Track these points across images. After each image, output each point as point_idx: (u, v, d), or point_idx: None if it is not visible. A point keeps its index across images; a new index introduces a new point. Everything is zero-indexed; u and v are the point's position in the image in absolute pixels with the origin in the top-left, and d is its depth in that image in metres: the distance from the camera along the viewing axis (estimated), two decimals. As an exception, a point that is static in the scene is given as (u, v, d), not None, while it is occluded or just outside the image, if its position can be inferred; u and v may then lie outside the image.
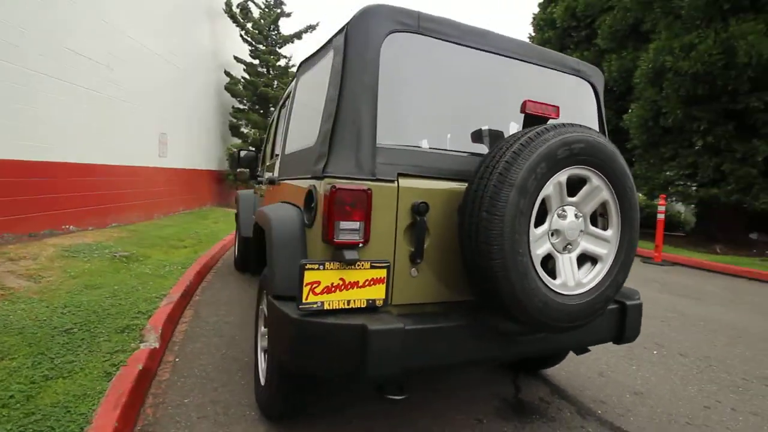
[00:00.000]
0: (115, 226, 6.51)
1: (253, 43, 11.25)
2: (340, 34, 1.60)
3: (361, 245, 1.36)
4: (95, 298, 3.11)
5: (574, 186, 1.41)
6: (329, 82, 1.60)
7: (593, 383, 2.46)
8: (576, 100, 1.99)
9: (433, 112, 1.64)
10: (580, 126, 1.39)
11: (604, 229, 1.49)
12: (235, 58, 11.15)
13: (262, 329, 2.12)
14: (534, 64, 1.85)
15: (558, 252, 1.40)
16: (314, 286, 1.30)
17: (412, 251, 1.44)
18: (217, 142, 11.01)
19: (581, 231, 1.44)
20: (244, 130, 11.45)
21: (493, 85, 1.77)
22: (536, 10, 11.74)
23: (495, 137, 1.73)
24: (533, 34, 11.42)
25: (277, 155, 2.51)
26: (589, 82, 2.03)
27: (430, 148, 1.56)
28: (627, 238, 1.48)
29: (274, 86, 11.28)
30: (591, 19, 9.39)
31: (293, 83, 2.39)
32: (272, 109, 11.58)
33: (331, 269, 1.32)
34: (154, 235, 6.11)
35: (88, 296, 3.13)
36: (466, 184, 1.53)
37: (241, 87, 10.96)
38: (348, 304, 1.34)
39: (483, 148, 1.69)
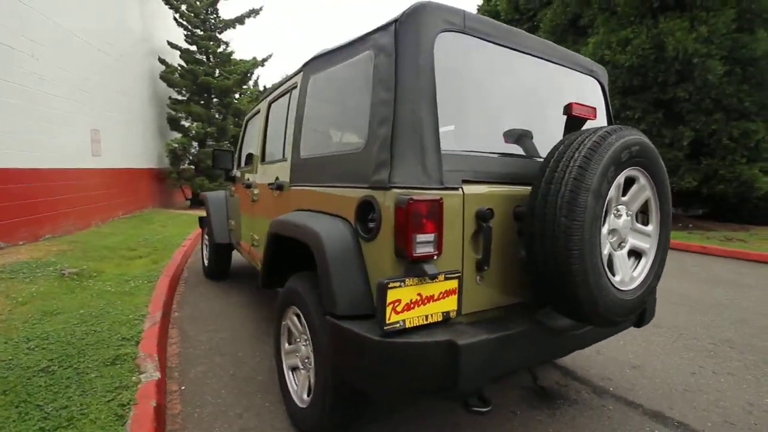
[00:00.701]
0: (51, 238, 5.73)
1: (189, 27, 10.32)
2: (383, 33, 1.51)
3: (435, 257, 1.32)
4: (61, 326, 2.72)
5: (624, 186, 1.48)
6: (373, 84, 1.51)
7: (595, 362, 2.66)
8: (588, 98, 2.08)
9: (482, 114, 1.63)
10: (629, 128, 1.46)
11: (645, 224, 1.59)
12: (170, 43, 10.17)
13: (287, 346, 2.01)
14: (557, 63, 1.90)
15: (614, 250, 1.47)
16: (396, 304, 1.25)
17: (478, 259, 1.43)
18: (155, 137, 10.05)
19: (630, 228, 1.52)
20: (185, 123, 10.57)
21: (527, 85, 1.79)
22: (480, 2, 12.09)
23: (525, 137, 1.76)
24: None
25: (282, 158, 2.34)
26: (598, 80, 2.13)
27: (484, 152, 1.55)
28: (665, 232, 1.59)
29: (216, 75, 10.50)
30: (533, 12, 9.89)
31: (298, 81, 2.22)
32: (216, 99, 10.80)
33: (411, 285, 1.27)
34: (99, 246, 5.49)
35: (52, 325, 2.73)
36: (522, 188, 1.55)
37: (178, 76, 10.04)
38: (426, 320, 1.31)
39: (520, 150, 1.71)
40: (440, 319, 1.33)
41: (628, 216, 1.50)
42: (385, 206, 1.36)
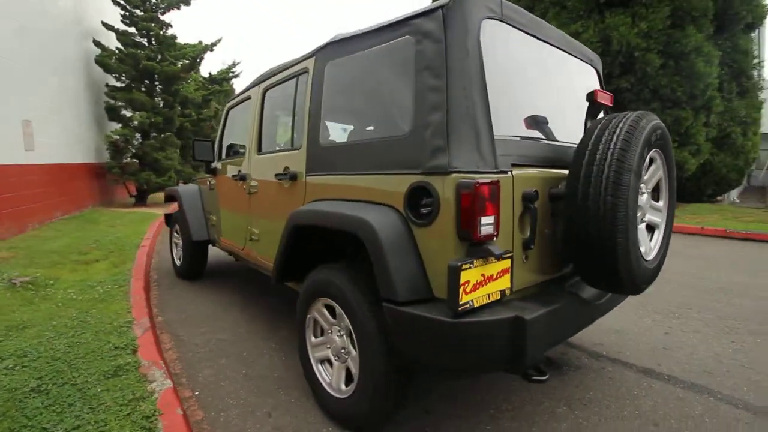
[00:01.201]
0: (-16, 245, 5.03)
1: (128, 7, 9.37)
2: (426, 18, 1.50)
3: (494, 239, 1.36)
4: (36, 341, 2.44)
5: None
6: (417, 70, 1.51)
7: (584, 330, 2.89)
8: (592, 85, 2.22)
9: (518, 100, 1.68)
10: (650, 113, 1.59)
11: (656, 201, 1.75)
12: (105, 24, 9.18)
13: (313, 339, 1.97)
14: (567, 52, 2.00)
15: (638, 224, 1.60)
16: (466, 285, 1.28)
17: (525, 239, 1.49)
18: (91, 128, 9.10)
19: (648, 205, 1.67)
20: (126, 112, 9.66)
21: (547, 73, 1.87)
22: (432, -9, 12.25)
23: (547, 123, 1.85)
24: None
25: (292, 148, 2.25)
26: (594, 68, 2.27)
27: (524, 136, 1.60)
28: (672, 208, 1.76)
29: (158, 60, 9.67)
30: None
31: (308, 66, 2.13)
32: (160, 87, 9.97)
33: (477, 267, 1.30)
34: (46, 251, 4.94)
35: (24, 341, 2.44)
36: (553, 170, 1.63)
37: (116, 60, 9.11)
38: (488, 299, 1.35)
39: (546, 134, 1.80)
40: (498, 297, 1.38)
41: (646, 193, 1.64)
42: (444, 191, 1.37)
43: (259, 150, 2.66)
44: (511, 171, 1.44)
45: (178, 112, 10.33)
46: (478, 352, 1.31)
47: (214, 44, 10.40)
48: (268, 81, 2.60)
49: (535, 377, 1.47)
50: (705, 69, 7.41)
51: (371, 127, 1.90)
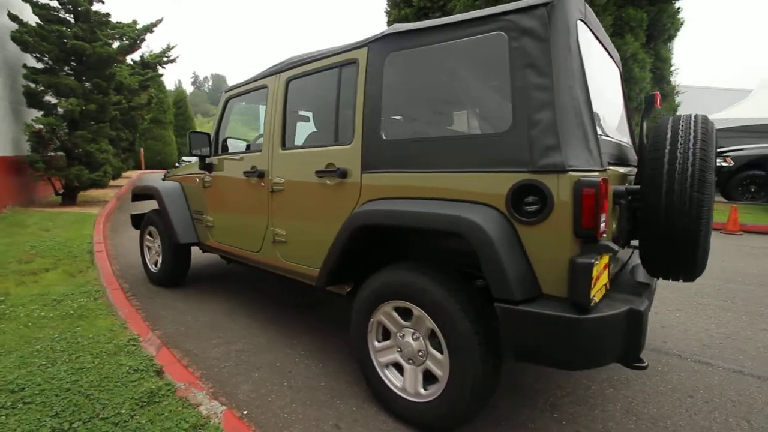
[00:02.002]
0: None
1: (46, -25, 8.08)
2: (525, 16, 1.49)
3: (604, 235, 1.40)
4: (26, 370, 2.06)
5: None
6: (515, 67, 1.50)
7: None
8: (616, 85, 2.36)
9: (594, 100, 1.74)
10: (703, 114, 1.73)
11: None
12: (18, -5, 7.84)
13: (377, 344, 1.90)
14: (610, 55, 2.11)
15: None
16: (593, 282, 1.30)
17: (615, 234, 1.56)
18: (7, 116, 7.79)
19: None
20: (50, 98, 8.39)
21: (603, 74, 1.96)
22: (389, -14, 12.14)
23: (604, 122, 1.95)
24: (389, 10, 11.89)
25: (336, 143, 2.12)
26: (618, 68, 2.42)
27: (606, 136, 1.66)
28: (713, 199, 1.95)
29: (89, 40, 8.49)
30: (443, 2, 10.38)
31: (358, 57, 2.02)
32: (91, 71, 8.77)
33: (600, 262, 1.33)
34: (-26, 261, 4.17)
35: (11, 372, 2.06)
36: (621, 167, 1.72)
37: (36, 38, 7.83)
38: (600, 293, 1.39)
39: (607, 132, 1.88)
40: (605, 291, 1.43)
41: None
42: (559, 189, 1.38)
43: (284, 145, 2.47)
44: (608, 168, 1.49)
45: (114, 99, 9.21)
46: (601, 346, 1.35)
47: (153, 24, 9.39)
48: (294, 71, 2.41)
49: (636, 364, 1.54)
50: (640, 74, 8.26)
51: (453, 123, 1.85)
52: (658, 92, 1.88)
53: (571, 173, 1.37)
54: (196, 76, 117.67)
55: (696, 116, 1.62)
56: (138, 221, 4.16)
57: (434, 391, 1.71)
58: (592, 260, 1.27)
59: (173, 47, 12.99)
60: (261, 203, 2.62)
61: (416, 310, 1.73)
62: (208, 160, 3.12)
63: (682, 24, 10.06)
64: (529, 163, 1.45)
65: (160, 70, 12.88)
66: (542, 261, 1.43)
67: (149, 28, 9.28)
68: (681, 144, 1.54)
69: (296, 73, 2.40)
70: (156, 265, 3.86)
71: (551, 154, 1.40)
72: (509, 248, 1.44)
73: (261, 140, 3.34)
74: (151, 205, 4.00)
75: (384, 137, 1.90)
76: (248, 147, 3.23)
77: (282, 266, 2.54)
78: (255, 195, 2.66)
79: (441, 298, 1.62)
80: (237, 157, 2.86)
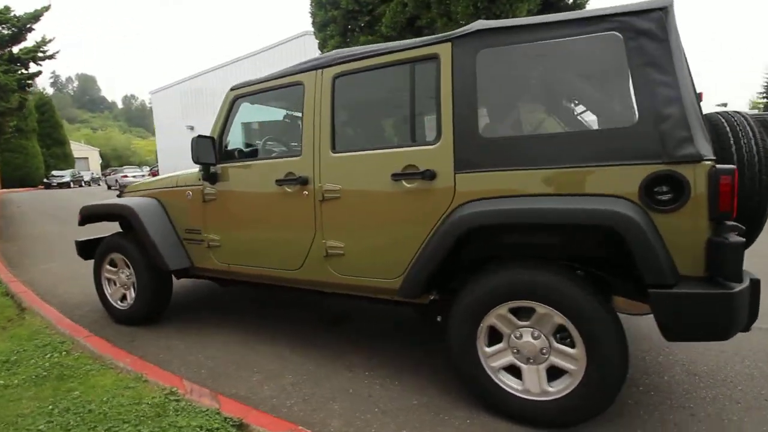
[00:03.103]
0: None
1: None
2: (640, 18, 1.60)
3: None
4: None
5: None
6: (634, 65, 1.60)
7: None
8: None
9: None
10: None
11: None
12: None
13: (487, 349, 1.86)
14: None
15: None
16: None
17: None
18: None
19: None
20: None
21: None
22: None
23: None
24: (315, 12, 11.57)
25: (413, 142, 2.00)
26: None
27: None
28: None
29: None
30: (372, 6, 10.47)
31: (440, 52, 1.94)
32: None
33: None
34: None
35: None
36: None
37: None
38: None
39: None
40: None
41: None
42: (696, 177, 1.50)
43: (334, 147, 2.24)
44: None
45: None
46: (740, 317, 1.50)
47: (40, 13, 7.71)
48: (343, 67, 2.20)
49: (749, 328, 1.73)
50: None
51: (564, 118, 1.86)
52: (702, 92, 2.17)
53: (704, 162, 1.50)
54: (56, 77, 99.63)
55: (739, 112, 1.90)
56: (88, 249, 3.38)
57: (565, 386, 1.74)
58: (742, 240, 1.41)
59: (50, 41, 10.87)
60: (304, 214, 2.34)
61: (542, 308, 1.73)
62: (212, 170, 2.67)
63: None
64: (663, 155, 1.55)
65: (35, 68, 10.64)
66: (679, 245, 1.54)
67: (39, 14, 7.57)
68: (744, 138, 1.78)
69: (346, 69, 2.20)
70: (123, 300, 3.19)
71: (685, 146, 1.52)
72: (656, 237, 1.52)
73: (272, 143, 3.00)
74: (103, 229, 3.31)
75: (483, 135, 1.85)
76: (255, 152, 2.87)
77: (336, 282, 2.30)
78: (294, 205, 2.37)
79: (575, 293, 1.65)
80: (261, 163, 2.51)
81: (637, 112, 1.60)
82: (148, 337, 2.93)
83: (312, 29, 12.76)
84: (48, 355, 2.42)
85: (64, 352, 2.47)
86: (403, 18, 9.87)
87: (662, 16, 1.58)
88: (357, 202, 2.18)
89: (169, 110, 25.87)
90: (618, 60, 1.63)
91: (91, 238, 3.43)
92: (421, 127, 2.03)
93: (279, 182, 2.39)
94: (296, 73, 2.38)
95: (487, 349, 1.87)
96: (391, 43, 2.13)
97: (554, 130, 1.95)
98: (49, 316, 3.11)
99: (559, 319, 1.70)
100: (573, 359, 1.71)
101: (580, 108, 1.87)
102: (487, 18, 8.68)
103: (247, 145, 2.95)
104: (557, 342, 1.75)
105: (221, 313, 3.37)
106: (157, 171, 27.50)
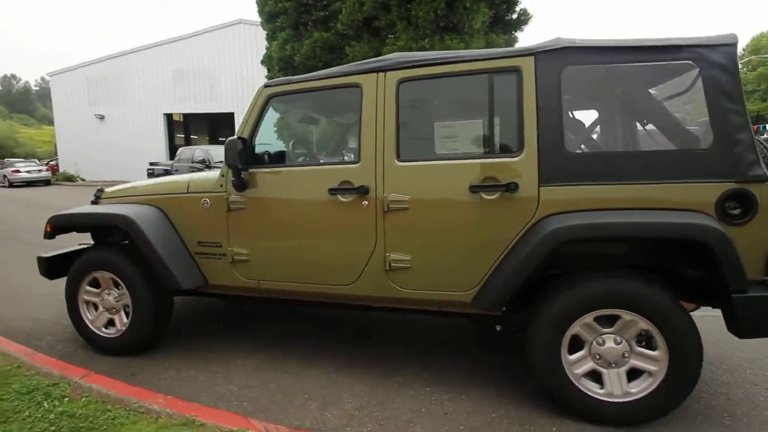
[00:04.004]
0: None
1: None
2: (712, 51, 1.79)
3: None
4: None
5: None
6: (710, 93, 1.78)
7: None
8: None
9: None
10: None
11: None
12: None
13: (570, 357, 1.94)
14: None
15: None
16: None
17: None
18: None
19: None
20: None
21: None
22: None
23: None
24: (264, 0, 10.87)
25: (499, 155, 1.99)
26: None
27: None
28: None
29: None
30: (326, 2, 10.15)
31: (521, 65, 1.95)
32: None
33: None
34: None
35: None
36: None
37: None
38: None
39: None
40: None
41: None
42: (762, 195, 1.71)
43: (399, 156, 2.13)
44: None
45: None
46: None
47: None
48: (410, 72, 2.11)
49: None
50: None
51: (642, 138, 1.96)
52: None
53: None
54: None
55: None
56: (58, 267, 2.80)
57: (646, 385, 1.87)
58: None
59: None
60: (362, 226, 2.19)
61: (628, 315, 1.83)
62: (242, 175, 2.37)
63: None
64: (736, 174, 1.74)
65: None
66: (747, 254, 1.74)
67: None
68: None
69: (414, 74, 2.11)
70: (108, 327, 2.71)
71: (755, 168, 1.73)
72: (735, 247, 1.69)
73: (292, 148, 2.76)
74: (67, 242, 2.82)
75: (568, 150, 1.90)
76: (284, 156, 2.62)
77: (399, 297, 2.21)
78: (350, 216, 2.21)
79: (660, 300, 1.79)
80: (307, 170, 2.29)
81: (712, 136, 1.77)
82: (152, 368, 2.52)
83: (258, 19, 12.09)
84: (44, 405, 1.96)
85: (64, 398, 2.01)
86: (360, 17, 9.74)
87: (733, 51, 1.77)
88: (428, 214, 2.10)
89: (72, 96, 22.49)
90: (696, 87, 1.78)
91: (62, 252, 2.85)
92: (500, 138, 2.02)
93: (333, 191, 2.21)
94: (352, 74, 2.22)
95: (571, 358, 1.93)
96: (462, 51, 2.09)
97: (631, 148, 2.08)
98: (13, 351, 2.51)
99: (643, 324, 1.83)
100: (655, 360, 1.85)
101: (651, 127, 2.03)
102: (445, 26, 8.96)
103: (272, 149, 2.68)
104: (638, 345, 1.87)
105: (225, 332, 3.03)
106: (57, 165, 23.82)
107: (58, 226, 2.72)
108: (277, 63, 11.02)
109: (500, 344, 2.78)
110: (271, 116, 2.72)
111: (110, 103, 21.84)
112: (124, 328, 2.66)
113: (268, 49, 11.80)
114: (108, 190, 2.99)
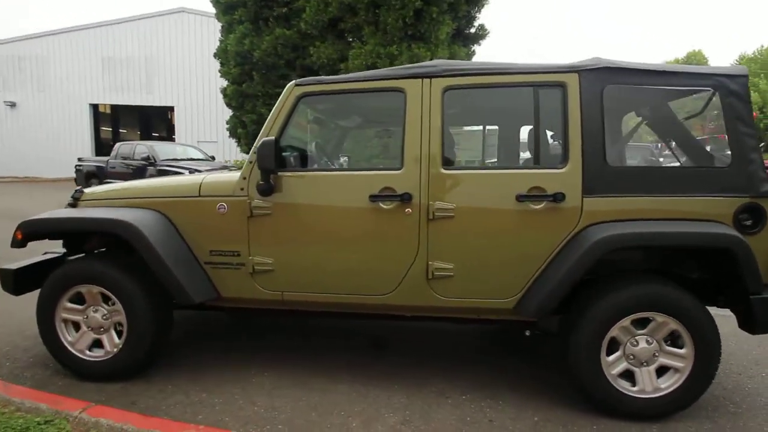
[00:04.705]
0: None
1: None
2: (730, 80, 1.99)
3: None
4: None
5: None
6: (729, 118, 2.00)
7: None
8: None
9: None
10: None
11: None
12: None
13: (608, 358, 2.06)
14: None
15: None
16: None
17: None
18: None
19: None
20: None
21: None
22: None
23: None
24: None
25: (543, 167, 2.05)
26: None
27: None
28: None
29: None
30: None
31: (566, 81, 2.04)
32: None
33: None
34: None
35: None
36: None
37: None
38: None
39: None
40: None
41: None
42: None
43: (446, 164, 2.12)
44: None
45: None
46: None
47: None
48: (456, 80, 2.10)
49: None
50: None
51: (668, 154, 2.12)
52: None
53: None
54: None
55: None
56: (27, 280, 2.38)
57: (674, 381, 2.03)
58: None
59: None
60: (404, 233, 2.14)
61: (660, 317, 1.98)
62: (272, 179, 2.19)
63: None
64: (750, 190, 1.96)
65: None
66: (761, 258, 1.96)
67: None
68: None
69: (459, 83, 2.11)
70: (93, 348, 2.37)
71: (765, 185, 1.96)
72: (755, 255, 1.90)
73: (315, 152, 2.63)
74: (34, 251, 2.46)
75: (609, 163, 2.01)
76: (308, 159, 2.48)
77: (438, 305, 2.18)
78: (391, 223, 2.15)
79: (690, 303, 1.97)
80: (344, 174, 2.19)
81: (730, 156, 1.98)
82: (153, 394, 2.24)
83: (204, 9, 11.43)
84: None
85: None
86: (325, 17, 9.57)
87: (746, 81, 2.00)
88: (473, 222, 2.10)
89: (-27, 78, 19.49)
90: (718, 112, 1.99)
91: (33, 262, 2.43)
92: (545, 149, 2.09)
93: (374, 198, 2.13)
94: (395, 78, 2.16)
95: (608, 359, 2.04)
96: (507, 63, 2.13)
97: (673, 164, 2.26)
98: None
99: (674, 325, 1.98)
100: (682, 358, 2.01)
101: (674, 145, 2.22)
102: (413, 34, 9.11)
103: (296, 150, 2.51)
104: (666, 345, 2.03)
105: (225, 348, 2.79)
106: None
107: (33, 232, 2.31)
108: (234, 57, 10.45)
109: (511, 347, 2.87)
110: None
111: (24, 89, 19.24)
112: (115, 349, 2.32)
113: (222, 41, 11.15)
114: (88, 191, 2.61)
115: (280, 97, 2.27)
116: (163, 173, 9.44)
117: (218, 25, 11.60)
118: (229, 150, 16.65)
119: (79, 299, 2.35)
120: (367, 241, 2.19)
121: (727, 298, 2.14)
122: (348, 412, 2.11)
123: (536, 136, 2.15)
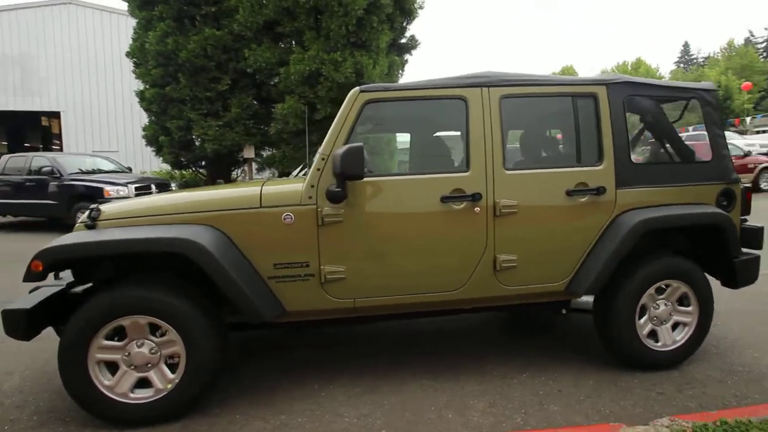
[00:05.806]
0: None
1: None
2: (707, 93, 2.58)
3: None
4: None
5: None
6: (708, 122, 2.58)
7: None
8: None
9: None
10: None
11: None
12: None
13: (639, 321, 2.45)
14: None
15: None
16: None
17: None
18: None
19: None
20: None
21: None
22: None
23: None
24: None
25: (585, 165, 2.41)
26: None
27: None
28: None
29: None
30: (220, -4, 9.21)
31: (598, 92, 2.39)
32: None
33: None
34: None
35: None
36: None
37: None
38: None
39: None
40: None
41: None
42: (737, 192, 2.56)
43: (506, 165, 2.34)
44: None
45: None
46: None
47: None
48: (511, 89, 2.34)
49: None
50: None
51: (669, 152, 2.62)
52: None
53: (739, 183, 2.58)
54: None
55: None
56: (43, 318, 1.98)
57: (684, 333, 2.52)
58: (761, 225, 2.53)
59: None
60: (474, 231, 2.31)
61: (676, 283, 2.46)
62: (335, 187, 2.15)
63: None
64: (725, 178, 2.55)
65: None
66: None
67: None
68: None
69: (514, 92, 2.35)
70: (134, 389, 2.08)
71: (733, 174, 2.58)
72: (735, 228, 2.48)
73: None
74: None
75: (633, 161, 2.44)
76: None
77: (503, 294, 2.39)
78: (461, 222, 2.29)
79: (696, 270, 2.50)
80: (415, 179, 2.27)
81: (711, 152, 2.55)
82: (225, 426, 2.06)
83: (96, 2, 10.14)
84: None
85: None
86: (260, 19, 9.22)
87: (717, 93, 2.60)
88: (532, 216, 2.36)
89: None
90: (700, 118, 2.55)
91: (47, 297, 2.02)
92: (584, 150, 2.42)
93: (446, 199, 2.25)
94: (457, 87, 2.31)
95: (640, 321, 2.45)
96: (550, 76, 2.45)
97: (676, 160, 2.76)
98: None
99: (684, 288, 2.47)
100: (690, 314, 2.51)
101: (668, 145, 2.75)
102: (355, 42, 9.26)
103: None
104: (678, 305, 2.52)
105: (264, 365, 2.63)
106: None
107: (59, 260, 1.94)
108: (155, 57, 9.42)
109: (523, 332, 3.21)
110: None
111: None
112: (170, 385, 2.06)
113: (135, 39, 9.99)
114: (107, 209, 2.25)
115: (344, 104, 2.26)
116: (70, 188, 8.10)
117: (116, 20, 10.39)
118: (141, 160, 14.81)
119: (119, 334, 2.04)
120: (439, 240, 2.30)
121: (711, 265, 2.72)
122: (435, 406, 2.19)
123: (577, 139, 2.49)
